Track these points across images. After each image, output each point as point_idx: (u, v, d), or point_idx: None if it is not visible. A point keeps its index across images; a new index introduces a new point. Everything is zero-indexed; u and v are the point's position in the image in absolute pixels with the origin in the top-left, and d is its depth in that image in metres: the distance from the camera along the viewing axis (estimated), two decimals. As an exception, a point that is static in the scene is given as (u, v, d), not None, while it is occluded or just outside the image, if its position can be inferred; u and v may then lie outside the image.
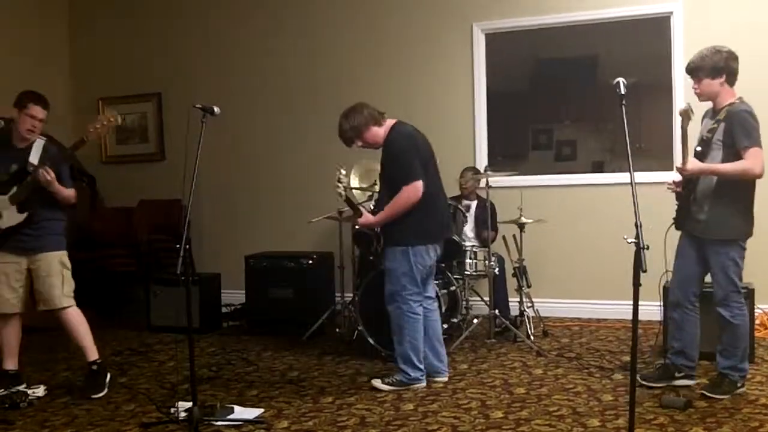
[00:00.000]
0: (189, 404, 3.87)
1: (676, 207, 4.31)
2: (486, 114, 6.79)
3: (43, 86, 7.66)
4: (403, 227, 4.38)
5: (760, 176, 4.00)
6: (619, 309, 6.17)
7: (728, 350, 4.16)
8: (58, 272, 4.52)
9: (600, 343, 5.58)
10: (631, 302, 3.05)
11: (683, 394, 4.09)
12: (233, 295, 6.91)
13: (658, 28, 6.26)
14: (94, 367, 4.60)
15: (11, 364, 4.65)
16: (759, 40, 5.95)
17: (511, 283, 5.92)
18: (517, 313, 5.86)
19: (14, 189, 4.43)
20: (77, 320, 4.59)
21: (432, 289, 4.72)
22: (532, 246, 5.99)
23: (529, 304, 5.86)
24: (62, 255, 4.58)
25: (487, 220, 5.67)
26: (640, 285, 3.04)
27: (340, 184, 4.52)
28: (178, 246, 3.75)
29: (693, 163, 4.05)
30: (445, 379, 4.62)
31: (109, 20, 8.06)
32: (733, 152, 4.00)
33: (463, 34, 6.79)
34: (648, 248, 3.03)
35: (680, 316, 4.35)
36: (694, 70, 4.15)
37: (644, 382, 4.35)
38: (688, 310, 4.32)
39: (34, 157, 4.46)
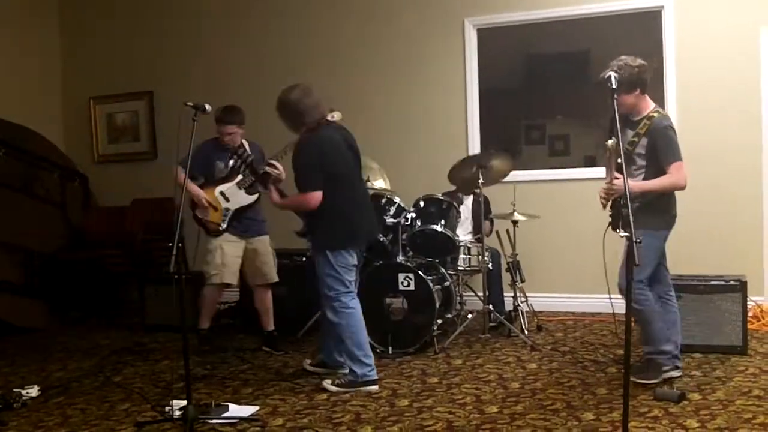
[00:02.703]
0: (184, 403, 3.87)
1: (610, 211, 4.35)
2: (478, 109, 6.79)
3: (35, 85, 7.74)
4: (324, 234, 4.47)
5: (683, 188, 4.17)
6: (613, 303, 6.17)
7: (645, 337, 4.36)
8: (271, 252, 5.49)
9: (594, 337, 5.59)
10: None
11: (677, 387, 4.11)
12: (227, 293, 6.87)
13: (649, 22, 6.28)
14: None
15: (206, 323, 5.51)
16: (748, 35, 5.96)
17: (505, 277, 5.93)
18: (511, 308, 5.87)
19: (239, 177, 5.22)
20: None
21: (355, 284, 4.70)
22: (526, 241, 6.00)
23: (523, 299, 5.87)
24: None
25: (485, 213, 5.68)
26: (633, 279, 3.05)
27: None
28: (171, 244, 3.75)
29: (621, 183, 4.05)
30: (376, 387, 4.47)
31: (100, 19, 8.03)
32: (655, 165, 4.14)
33: (455, 30, 6.79)
34: (641, 242, 3.04)
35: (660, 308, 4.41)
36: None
37: (635, 379, 4.32)
38: (664, 301, 4.42)
39: (249, 150, 5.11)
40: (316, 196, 4.33)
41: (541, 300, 6.37)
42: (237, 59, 7.48)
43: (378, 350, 5.18)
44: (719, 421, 3.63)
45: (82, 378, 4.93)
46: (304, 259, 6.14)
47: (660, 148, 4.11)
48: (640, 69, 4.16)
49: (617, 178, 4.08)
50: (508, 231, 5.83)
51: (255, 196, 5.30)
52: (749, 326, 5.08)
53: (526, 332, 5.57)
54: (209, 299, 5.48)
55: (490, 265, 5.65)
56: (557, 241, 6.56)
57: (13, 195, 6.66)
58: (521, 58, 7.15)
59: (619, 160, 4.13)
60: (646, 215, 4.06)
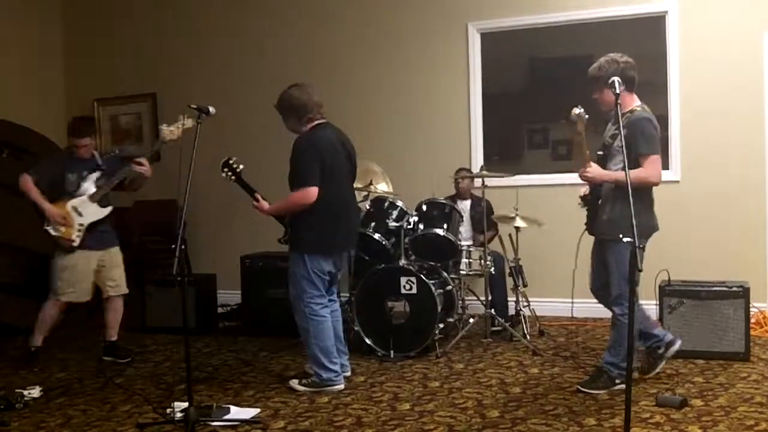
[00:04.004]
0: (185, 404, 3.86)
1: (586, 213, 4.35)
2: (482, 113, 6.79)
3: (38, 86, 7.76)
4: (303, 235, 4.45)
5: (656, 184, 4.13)
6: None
7: (615, 347, 4.26)
8: (121, 264, 5.44)
9: (596, 342, 5.59)
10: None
11: (679, 393, 4.10)
12: (229, 296, 6.90)
13: (653, 27, 6.28)
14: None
15: (40, 341, 5.29)
16: (752, 40, 5.97)
17: (507, 282, 5.92)
18: (513, 312, 5.87)
19: (92, 190, 5.16)
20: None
21: (335, 289, 4.72)
22: (529, 245, 6.00)
23: (525, 304, 5.87)
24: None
25: (481, 220, 5.67)
26: (637, 284, 3.05)
27: (225, 169, 4.62)
28: (173, 247, 3.75)
29: (594, 170, 4.13)
30: (348, 373, 4.67)
31: (104, 20, 8.05)
32: (632, 158, 4.05)
33: (458, 34, 6.80)
34: (643, 248, 3.04)
35: (612, 320, 4.38)
36: (592, 81, 4.24)
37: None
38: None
39: (100, 162, 5.29)
40: (313, 192, 4.31)
41: (543, 304, 6.36)
42: (240, 62, 7.49)
43: (379, 353, 5.19)
44: (721, 428, 3.63)
45: (83, 379, 4.93)
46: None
47: (635, 140, 4.04)
48: (625, 65, 4.15)
49: (590, 166, 4.10)
50: (510, 235, 5.83)
51: (108, 209, 5.25)
52: (752, 333, 5.07)
53: (528, 337, 5.57)
54: (49, 315, 5.25)
55: (492, 269, 5.64)
56: (560, 245, 6.51)
57: (16, 196, 6.66)
58: (524, 63, 7.14)
59: (600, 153, 4.18)
60: (617, 222, 4.03)
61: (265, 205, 4.59)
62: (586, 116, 3.92)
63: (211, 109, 4.11)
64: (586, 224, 4.35)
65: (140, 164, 5.08)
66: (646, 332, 4.44)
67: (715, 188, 5.95)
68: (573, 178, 6.57)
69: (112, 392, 4.61)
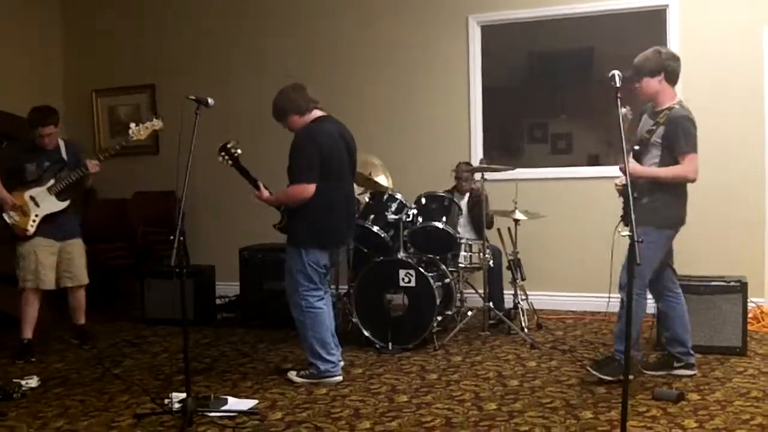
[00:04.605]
0: (183, 395, 3.87)
1: (622, 205, 4.35)
2: (481, 107, 6.79)
3: (37, 77, 7.74)
4: (300, 229, 4.45)
5: (693, 181, 4.16)
6: (614, 302, 6.17)
7: (623, 334, 4.22)
8: (83, 254, 5.46)
9: (594, 335, 5.60)
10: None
11: (676, 387, 4.10)
12: (228, 287, 6.91)
13: (653, 21, 6.27)
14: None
15: (30, 333, 5.27)
16: (752, 34, 5.96)
17: (506, 275, 5.93)
18: (511, 305, 5.87)
19: (51, 181, 5.16)
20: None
21: (327, 284, 4.70)
22: (527, 239, 6.00)
23: (524, 297, 5.87)
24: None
25: (479, 213, 5.67)
26: (635, 278, 3.05)
27: (222, 153, 4.58)
28: (172, 238, 3.75)
29: (633, 166, 4.12)
30: (341, 363, 4.63)
31: (103, 11, 8.02)
32: (670, 154, 4.12)
33: (459, 27, 6.79)
34: (642, 241, 3.04)
35: (664, 305, 4.47)
36: (635, 70, 4.24)
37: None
38: (669, 297, 4.44)
39: (63, 154, 5.32)
40: (310, 188, 4.31)
41: (542, 298, 6.37)
42: (239, 54, 7.48)
43: (378, 346, 5.19)
44: (717, 422, 3.63)
45: (81, 369, 4.94)
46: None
47: (675, 138, 4.08)
48: (668, 56, 4.18)
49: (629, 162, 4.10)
50: (509, 229, 5.83)
51: (66, 203, 5.24)
52: (749, 327, 5.08)
53: (525, 330, 5.57)
54: (27, 305, 5.26)
55: (491, 262, 5.65)
56: (558, 239, 6.56)
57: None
58: (525, 56, 7.14)
59: (636, 148, 4.20)
60: (653, 212, 4.09)
61: (266, 193, 4.59)
62: (631, 116, 3.94)
63: (210, 101, 4.10)
64: (622, 216, 4.34)
65: (90, 165, 5.15)
66: (680, 339, 4.44)
67: (713, 183, 5.93)
68: (571, 172, 6.66)
69: (110, 383, 4.61)
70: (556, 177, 6.65)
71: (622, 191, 4.32)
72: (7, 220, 5.14)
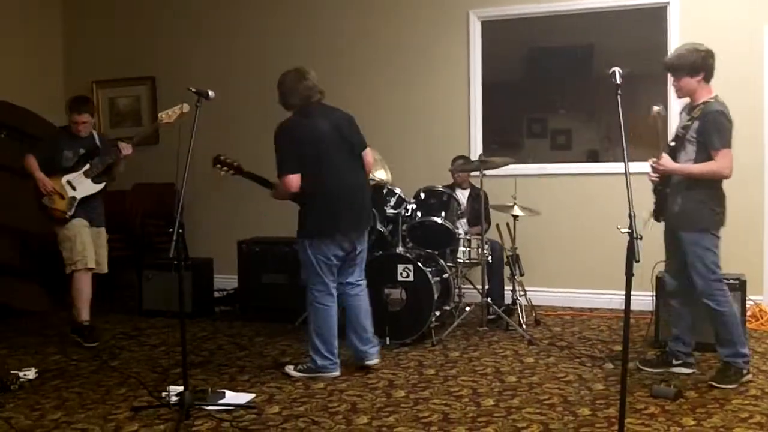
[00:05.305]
0: (180, 388, 3.87)
1: (654, 199, 4.35)
2: (481, 102, 6.78)
3: (37, 68, 7.72)
4: (303, 222, 4.45)
5: (728, 177, 4.11)
6: (612, 299, 6.20)
7: (726, 338, 4.22)
8: (105, 244, 5.56)
9: (592, 332, 5.60)
10: (624, 292, 3.04)
11: (674, 384, 4.10)
12: (226, 280, 6.90)
13: (654, 18, 6.25)
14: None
15: (87, 315, 5.41)
16: (753, 32, 5.95)
17: (504, 271, 5.92)
18: (509, 301, 5.87)
19: (87, 166, 5.33)
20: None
21: (357, 274, 4.67)
22: (526, 235, 6.00)
23: (522, 293, 5.87)
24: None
25: (478, 210, 5.67)
26: (633, 275, 3.04)
27: (218, 166, 4.61)
28: (171, 230, 3.74)
29: (666, 162, 4.13)
30: (374, 361, 4.61)
31: (103, 3, 8.01)
32: (704, 150, 4.08)
33: (460, 22, 6.77)
34: (641, 238, 3.03)
35: (679, 304, 4.44)
36: (672, 69, 4.23)
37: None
38: (685, 297, 4.39)
39: (98, 142, 5.49)
40: (292, 179, 4.30)
41: (540, 294, 6.37)
42: (240, 46, 7.46)
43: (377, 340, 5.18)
44: (715, 420, 3.63)
45: (78, 362, 4.93)
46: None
47: (708, 133, 4.04)
48: (707, 54, 4.16)
49: (662, 158, 4.11)
50: (508, 225, 5.82)
51: (101, 185, 5.41)
52: (748, 325, 5.08)
53: (523, 326, 5.57)
54: (81, 287, 5.37)
55: (489, 258, 5.64)
56: (557, 235, 6.56)
57: (13, 177, 6.64)
58: (525, 52, 7.12)
59: (672, 144, 4.18)
60: (697, 213, 4.10)
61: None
62: (665, 113, 3.93)
63: (211, 93, 4.08)
64: (654, 211, 4.34)
65: (123, 147, 5.32)
66: (682, 338, 4.44)
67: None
68: (571, 168, 6.65)
69: (108, 375, 4.61)
70: (556, 173, 6.64)
71: (656, 185, 4.30)
72: (46, 203, 5.28)
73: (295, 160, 4.31)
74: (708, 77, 4.18)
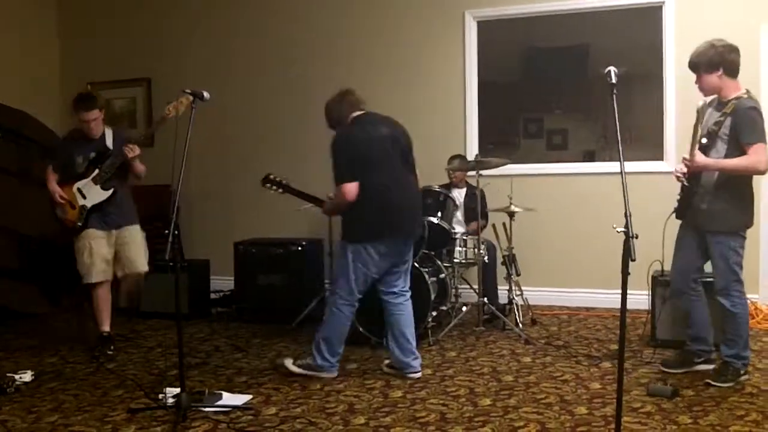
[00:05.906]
0: (177, 390, 3.86)
1: (678, 197, 4.32)
2: (477, 102, 6.78)
3: (32, 69, 7.71)
4: (349, 225, 4.43)
5: (764, 172, 4.07)
6: (608, 298, 6.20)
7: (732, 339, 4.21)
8: (140, 241, 5.34)
9: (588, 331, 5.60)
10: (620, 291, 3.05)
11: (670, 383, 4.11)
12: (222, 282, 6.90)
13: (649, 17, 6.26)
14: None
15: (106, 326, 5.25)
16: (749, 32, 5.95)
17: (501, 271, 5.93)
18: (506, 301, 5.87)
19: (96, 172, 5.13)
20: None
21: (401, 283, 4.60)
22: (522, 234, 6.00)
23: (518, 293, 5.87)
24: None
25: (475, 208, 5.67)
26: (629, 274, 3.04)
27: (267, 185, 4.65)
28: (167, 232, 3.74)
29: (699, 158, 4.06)
30: (417, 375, 4.47)
31: (99, 4, 8.00)
32: (736, 147, 4.03)
33: (455, 22, 6.77)
34: (637, 237, 3.03)
35: (686, 304, 4.44)
36: (692, 67, 4.21)
37: (666, 369, 4.44)
38: (693, 296, 4.40)
39: (109, 142, 5.23)
40: (350, 188, 4.28)
41: (536, 294, 6.38)
42: (236, 48, 7.45)
43: (372, 341, 5.18)
44: (712, 418, 3.64)
45: (75, 364, 4.93)
46: (299, 248, 6.14)
47: (741, 128, 4.01)
48: (724, 49, 4.12)
49: (696, 154, 4.03)
50: (504, 224, 5.83)
51: (110, 192, 5.17)
52: (744, 324, 5.08)
53: (520, 326, 5.57)
54: (93, 299, 5.25)
55: (485, 258, 5.65)
56: (553, 235, 6.56)
57: (10, 179, 6.64)
58: (521, 52, 7.14)
59: (704, 141, 4.11)
60: (726, 214, 4.09)
61: (327, 205, 4.72)
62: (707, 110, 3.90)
63: (206, 95, 4.08)
64: (676, 209, 4.32)
65: (127, 150, 5.07)
66: (702, 337, 4.43)
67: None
68: (567, 167, 6.66)
69: (104, 377, 4.60)
70: (552, 173, 6.65)
71: (682, 181, 4.23)
72: (59, 214, 5.19)
73: (350, 169, 4.31)
74: (730, 72, 4.13)
